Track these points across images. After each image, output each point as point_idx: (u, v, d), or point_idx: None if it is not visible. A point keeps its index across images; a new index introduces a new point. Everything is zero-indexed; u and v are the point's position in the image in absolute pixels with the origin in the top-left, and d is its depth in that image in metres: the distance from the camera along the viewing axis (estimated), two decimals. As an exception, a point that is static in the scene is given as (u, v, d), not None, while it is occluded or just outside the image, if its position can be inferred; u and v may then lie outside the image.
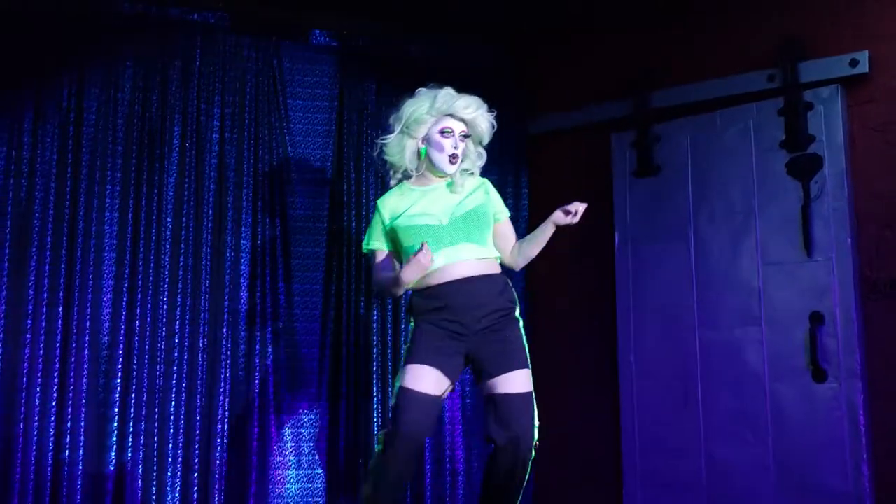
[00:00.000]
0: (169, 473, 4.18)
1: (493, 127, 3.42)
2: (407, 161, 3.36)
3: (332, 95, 4.77)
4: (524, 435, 3.10)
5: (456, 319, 3.17)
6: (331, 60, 4.78)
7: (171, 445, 4.21)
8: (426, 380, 3.13)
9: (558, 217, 3.27)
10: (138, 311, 4.25)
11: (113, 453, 4.11)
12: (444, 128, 3.32)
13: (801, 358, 3.97)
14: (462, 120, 3.34)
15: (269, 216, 4.57)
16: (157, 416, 4.21)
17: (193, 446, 4.25)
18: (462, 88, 3.38)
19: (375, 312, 4.65)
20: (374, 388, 4.58)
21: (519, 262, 3.44)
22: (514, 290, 3.34)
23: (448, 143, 3.31)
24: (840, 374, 3.87)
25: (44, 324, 4.09)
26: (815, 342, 3.94)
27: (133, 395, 4.18)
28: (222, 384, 4.33)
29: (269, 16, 4.68)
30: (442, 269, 3.21)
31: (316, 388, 4.51)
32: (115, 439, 4.12)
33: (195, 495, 4.21)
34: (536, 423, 3.15)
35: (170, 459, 4.20)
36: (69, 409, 4.08)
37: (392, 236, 3.35)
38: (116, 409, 4.14)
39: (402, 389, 3.13)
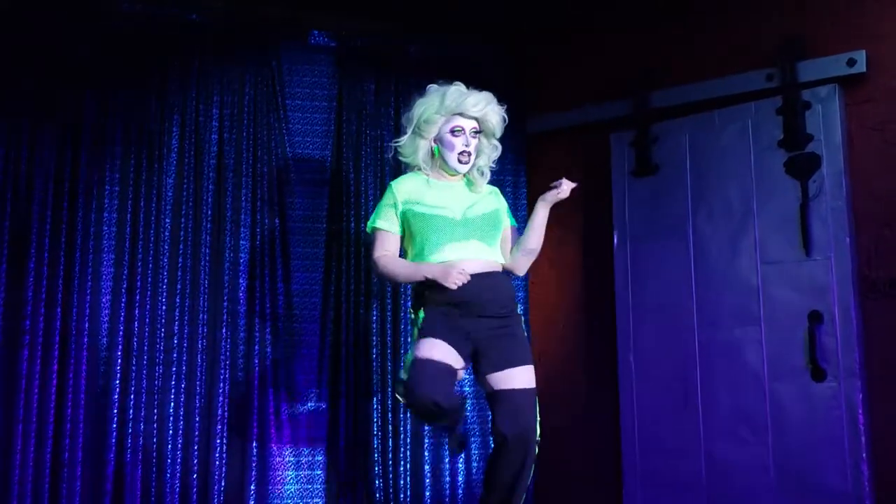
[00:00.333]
0: (168, 474, 4.18)
1: (505, 120, 3.47)
2: (421, 161, 3.41)
3: (330, 96, 4.77)
4: (530, 429, 3.15)
5: (465, 313, 3.21)
6: (330, 61, 4.79)
7: (170, 446, 4.21)
8: (440, 350, 3.14)
9: (546, 196, 3.35)
10: (137, 311, 4.25)
11: (112, 454, 4.11)
12: (455, 127, 3.36)
13: (801, 357, 3.97)
14: (473, 117, 3.36)
15: (267, 217, 4.57)
16: (156, 417, 4.22)
17: (193, 447, 4.25)
18: (462, 88, 3.41)
19: (375, 312, 4.65)
20: (374, 388, 4.58)
21: (519, 261, 3.46)
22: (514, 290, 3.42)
23: (459, 142, 3.35)
24: (839, 374, 3.87)
25: (42, 324, 4.08)
26: (814, 341, 3.93)
27: (132, 396, 4.18)
28: (221, 385, 4.33)
29: (268, 16, 4.68)
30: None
31: (315, 389, 4.51)
32: (114, 440, 4.12)
33: (195, 496, 4.22)
34: (538, 419, 3.19)
35: (169, 460, 4.20)
36: (68, 410, 4.08)
37: (402, 220, 3.36)
38: (115, 410, 4.14)
39: (416, 360, 3.12)
